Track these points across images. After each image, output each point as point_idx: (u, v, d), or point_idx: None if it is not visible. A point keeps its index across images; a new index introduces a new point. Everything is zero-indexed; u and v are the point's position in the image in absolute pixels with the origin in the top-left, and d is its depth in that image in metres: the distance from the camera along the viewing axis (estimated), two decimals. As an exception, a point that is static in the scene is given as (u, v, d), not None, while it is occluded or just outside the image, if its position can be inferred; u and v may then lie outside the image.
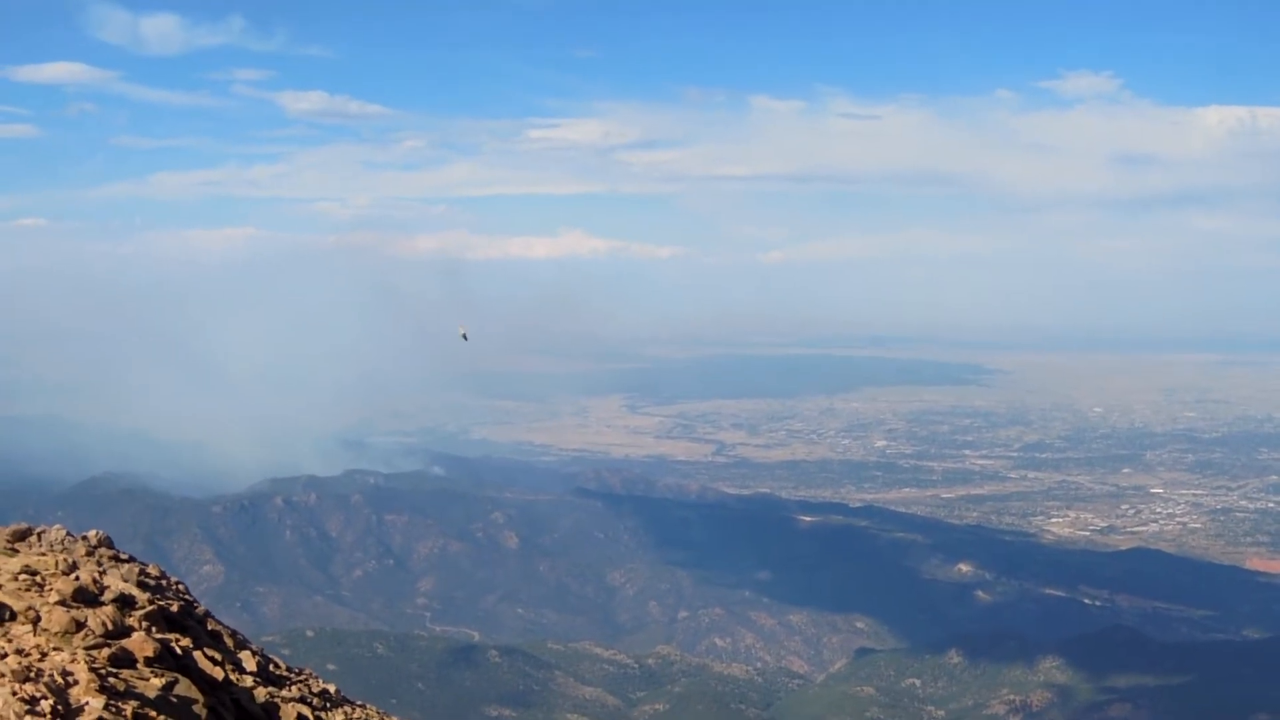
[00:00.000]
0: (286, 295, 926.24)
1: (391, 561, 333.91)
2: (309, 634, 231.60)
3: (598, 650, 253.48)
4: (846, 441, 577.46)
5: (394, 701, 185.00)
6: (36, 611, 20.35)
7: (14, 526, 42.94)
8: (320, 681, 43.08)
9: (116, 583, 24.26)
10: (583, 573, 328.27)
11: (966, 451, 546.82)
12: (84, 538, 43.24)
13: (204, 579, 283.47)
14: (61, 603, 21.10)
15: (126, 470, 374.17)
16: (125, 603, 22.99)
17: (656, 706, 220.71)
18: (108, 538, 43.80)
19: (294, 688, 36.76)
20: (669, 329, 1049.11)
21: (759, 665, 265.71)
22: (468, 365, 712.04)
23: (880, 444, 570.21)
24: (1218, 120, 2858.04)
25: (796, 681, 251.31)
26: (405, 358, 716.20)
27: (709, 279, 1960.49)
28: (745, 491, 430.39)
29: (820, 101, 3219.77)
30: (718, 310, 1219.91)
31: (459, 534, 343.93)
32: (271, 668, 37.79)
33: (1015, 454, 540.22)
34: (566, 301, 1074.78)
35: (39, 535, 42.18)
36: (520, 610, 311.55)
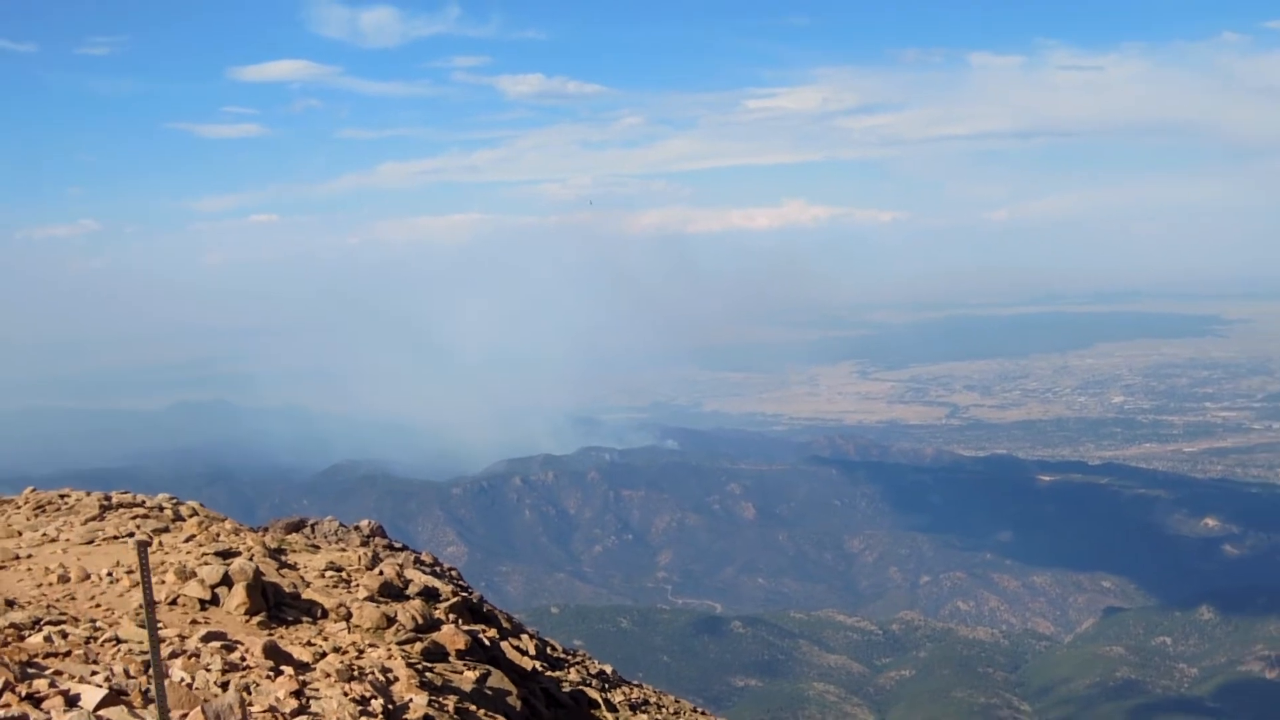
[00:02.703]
0: (513, 277, 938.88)
1: (630, 536, 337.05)
2: (554, 611, 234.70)
3: (841, 618, 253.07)
4: (1082, 399, 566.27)
5: (640, 675, 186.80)
6: (347, 608, 20.73)
7: (287, 519, 44.15)
8: (596, 662, 43.44)
9: (419, 576, 24.65)
10: (821, 540, 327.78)
11: (1207, 404, 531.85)
12: (356, 527, 44.28)
13: (448, 560, 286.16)
14: (370, 598, 21.51)
15: (367, 456, 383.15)
16: (430, 595, 23.37)
17: (903, 672, 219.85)
18: (380, 527, 44.79)
19: (573, 670, 37.12)
20: (896, 293, 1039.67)
21: (1004, 628, 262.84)
22: (696, 338, 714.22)
23: (1117, 400, 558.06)
24: None
25: (1043, 643, 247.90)
26: (633, 333, 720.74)
27: (933, 241, 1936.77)
28: (981, 453, 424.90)
29: (1040, 55, 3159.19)
30: (944, 272, 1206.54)
31: (696, 506, 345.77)
32: (549, 650, 38.20)
33: (1259, 404, 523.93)
34: (791, 270, 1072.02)
35: (312, 526, 43.30)
36: (760, 580, 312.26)
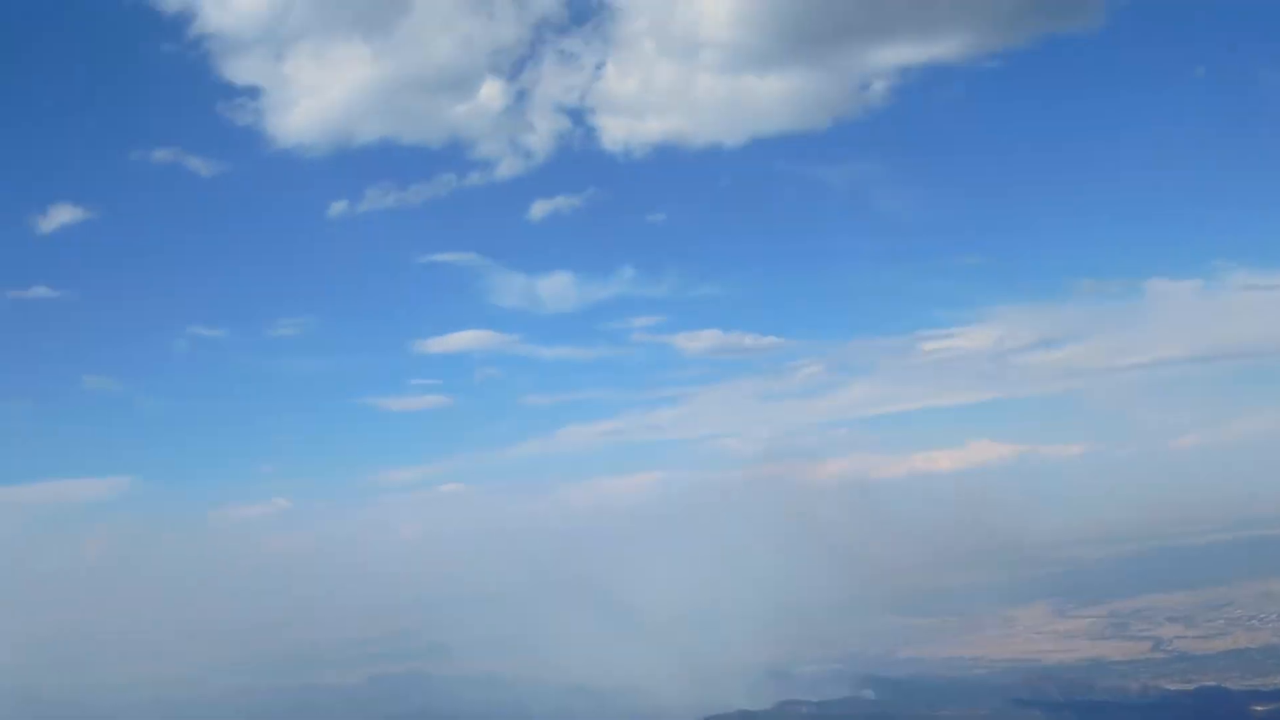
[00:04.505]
0: (699, 533, 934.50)
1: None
2: None
3: None
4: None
5: None
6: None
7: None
8: None
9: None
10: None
11: None
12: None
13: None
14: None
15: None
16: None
17: None
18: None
19: None
20: (1088, 527, 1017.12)
21: None
22: (885, 585, 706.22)
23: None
24: None
25: None
26: (821, 583, 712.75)
27: (1123, 472, 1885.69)
28: (1189, 686, 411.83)
29: (1218, 277, 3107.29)
30: (1137, 502, 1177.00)
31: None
32: None
33: None
34: (979, 512, 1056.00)
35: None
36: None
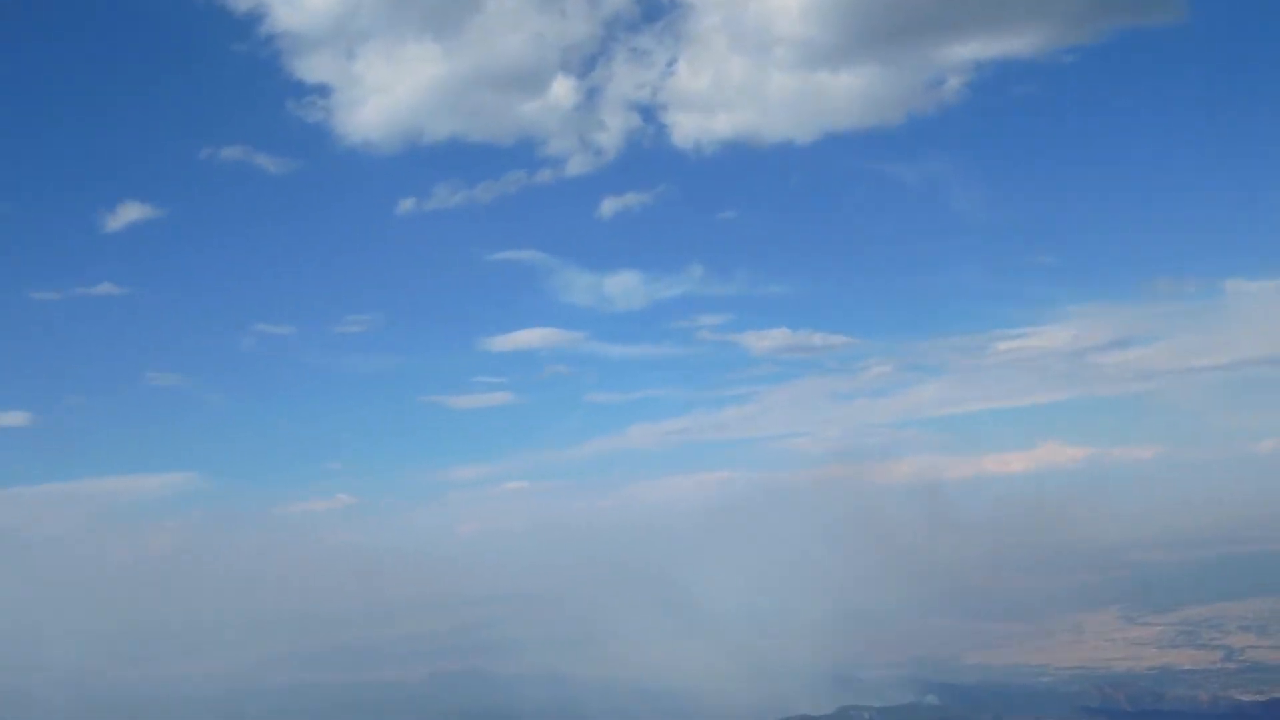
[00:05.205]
0: (766, 533, 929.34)
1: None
2: None
3: None
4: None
5: None
6: None
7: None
8: None
9: None
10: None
11: None
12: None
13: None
14: None
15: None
16: None
17: None
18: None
19: None
20: (1160, 531, 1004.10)
21: None
22: (953, 589, 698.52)
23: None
24: None
25: None
26: (889, 585, 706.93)
27: (1197, 476, 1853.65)
28: (1261, 697, 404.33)
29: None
30: (1210, 507, 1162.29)
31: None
32: None
33: None
34: (1049, 514, 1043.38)
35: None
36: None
